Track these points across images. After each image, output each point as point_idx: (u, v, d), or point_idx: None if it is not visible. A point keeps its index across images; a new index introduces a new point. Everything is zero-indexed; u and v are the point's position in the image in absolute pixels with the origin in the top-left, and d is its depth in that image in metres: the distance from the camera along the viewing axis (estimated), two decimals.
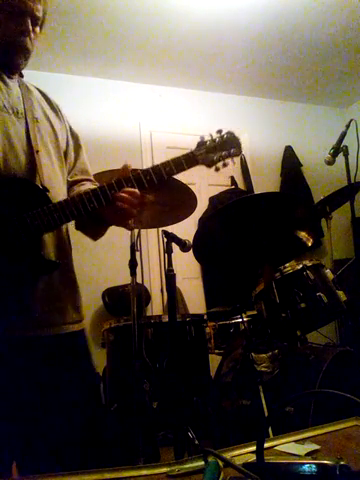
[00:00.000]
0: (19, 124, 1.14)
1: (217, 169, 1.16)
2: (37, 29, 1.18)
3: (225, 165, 1.15)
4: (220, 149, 1.14)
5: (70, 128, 1.35)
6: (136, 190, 1.10)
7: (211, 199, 3.80)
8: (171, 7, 3.02)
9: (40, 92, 1.31)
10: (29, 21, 1.13)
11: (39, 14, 1.16)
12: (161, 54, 3.54)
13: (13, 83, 1.20)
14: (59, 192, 1.19)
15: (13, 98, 1.17)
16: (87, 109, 3.52)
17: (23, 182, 1.10)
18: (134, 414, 1.75)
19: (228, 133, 1.15)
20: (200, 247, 2.01)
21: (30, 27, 1.14)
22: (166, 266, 1.64)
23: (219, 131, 1.15)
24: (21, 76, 1.25)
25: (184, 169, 1.12)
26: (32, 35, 1.16)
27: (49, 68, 3.39)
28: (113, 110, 3.78)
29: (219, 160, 1.14)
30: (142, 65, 3.67)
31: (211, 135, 1.15)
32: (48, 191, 1.10)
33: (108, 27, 3.16)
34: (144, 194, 1.12)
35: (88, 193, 1.09)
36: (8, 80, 1.18)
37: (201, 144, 1.13)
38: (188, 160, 1.11)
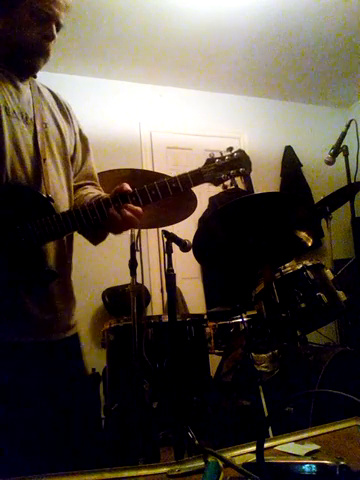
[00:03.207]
0: (27, 130, 1.14)
1: (225, 187, 1.15)
2: (57, 36, 1.19)
3: (232, 184, 1.14)
4: (229, 168, 1.12)
5: (80, 131, 1.34)
6: (139, 208, 1.10)
7: (211, 199, 3.80)
8: (171, 7, 3.02)
9: (51, 93, 1.30)
10: (54, 27, 1.15)
11: (63, 22, 1.17)
12: (161, 54, 3.54)
13: (24, 86, 1.19)
14: (63, 201, 1.19)
15: (23, 103, 1.16)
16: (87, 109, 3.51)
17: (28, 191, 1.10)
18: (134, 414, 1.75)
19: (239, 151, 1.14)
20: (200, 247, 2.01)
21: (55, 33, 1.15)
22: (166, 266, 1.64)
23: (229, 149, 1.14)
24: (34, 76, 1.25)
25: (191, 186, 1.11)
26: (53, 41, 1.17)
27: (49, 68, 3.37)
28: (113, 110, 3.78)
29: (227, 178, 1.12)
30: (142, 65, 3.67)
31: (221, 153, 1.13)
32: (53, 201, 1.10)
33: (108, 27, 3.17)
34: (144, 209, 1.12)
35: (92, 206, 1.09)
36: (20, 83, 1.18)
37: (210, 161, 1.12)
38: (195, 178, 1.10)
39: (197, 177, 1.10)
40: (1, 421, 1.04)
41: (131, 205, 1.09)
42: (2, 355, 1.04)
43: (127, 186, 1.12)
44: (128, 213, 1.09)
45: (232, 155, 1.13)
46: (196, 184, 1.11)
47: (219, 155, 1.13)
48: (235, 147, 1.16)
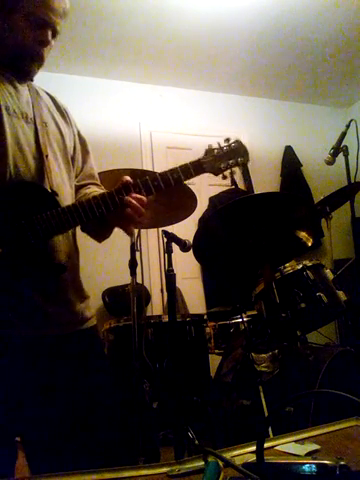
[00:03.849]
0: (28, 129, 1.15)
1: (224, 177, 1.18)
2: (53, 42, 1.19)
3: (232, 173, 1.17)
4: (227, 158, 1.15)
5: (78, 133, 1.35)
6: (143, 197, 1.11)
7: (211, 199, 3.81)
8: (171, 7, 3.02)
9: (49, 96, 1.32)
10: (50, 33, 1.15)
11: (59, 28, 1.18)
12: (161, 54, 3.54)
13: (23, 88, 1.20)
14: (66, 196, 1.20)
15: (23, 103, 1.17)
16: (87, 109, 3.52)
17: (32, 186, 1.10)
18: (134, 414, 1.75)
19: (236, 142, 1.17)
20: (200, 247, 2.01)
21: (50, 39, 1.16)
22: (166, 266, 1.64)
23: (227, 140, 1.17)
24: (31, 80, 1.26)
25: (192, 176, 1.13)
26: (48, 47, 1.18)
27: (49, 68, 3.36)
28: (113, 110, 3.78)
29: (226, 168, 1.16)
30: (142, 65, 3.67)
31: (219, 144, 1.16)
32: (57, 195, 1.11)
33: (108, 27, 3.17)
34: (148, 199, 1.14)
35: (96, 198, 1.10)
36: (18, 85, 1.19)
37: (208, 152, 1.15)
38: (195, 168, 1.13)
39: (197, 167, 1.13)
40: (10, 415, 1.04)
41: (134, 194, 1.11)
42: (14, 349, 1.03)
43: (128, 177, 1.13)
44: (132, 200, 1.10)
45: (230, 145, 1.16)
46: (197, 174, 1.14)
47: (217, 146, 1.16)
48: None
